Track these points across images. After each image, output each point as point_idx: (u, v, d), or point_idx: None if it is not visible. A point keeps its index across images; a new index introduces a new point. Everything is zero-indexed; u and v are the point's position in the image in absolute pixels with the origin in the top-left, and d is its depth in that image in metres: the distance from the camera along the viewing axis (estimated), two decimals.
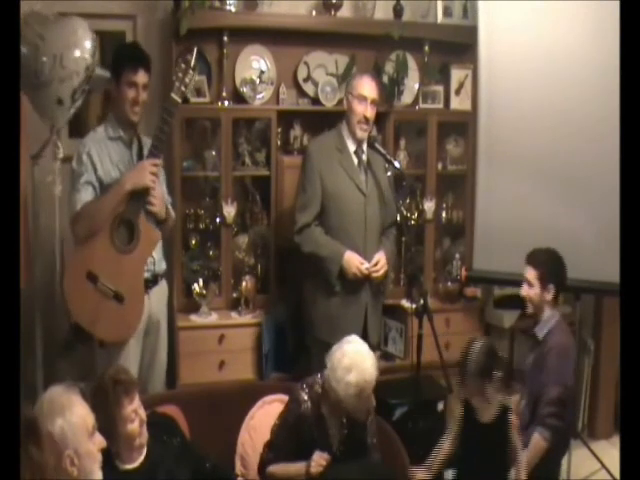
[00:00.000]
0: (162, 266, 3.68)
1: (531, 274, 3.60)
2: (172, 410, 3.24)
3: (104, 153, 3.45)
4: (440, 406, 4.30)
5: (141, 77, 3.47)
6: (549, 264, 3.64)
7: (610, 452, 4.31)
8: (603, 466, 4.12)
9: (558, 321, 3.62)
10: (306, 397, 3.15)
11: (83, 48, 3.54)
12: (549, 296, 3.58)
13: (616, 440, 4.29)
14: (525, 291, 3.63)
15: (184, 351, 4.06)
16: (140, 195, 3.38)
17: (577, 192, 4.33)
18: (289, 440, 3.14)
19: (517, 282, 4.64)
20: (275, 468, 3.12)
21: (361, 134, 3.90)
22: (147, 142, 3.56)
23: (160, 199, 3.50)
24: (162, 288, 3.71)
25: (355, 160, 3.94)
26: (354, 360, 3.05)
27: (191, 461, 2.97)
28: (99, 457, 2.38)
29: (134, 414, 2.72)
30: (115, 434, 2.68)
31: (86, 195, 3.39)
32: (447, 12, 4.80)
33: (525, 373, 3.69)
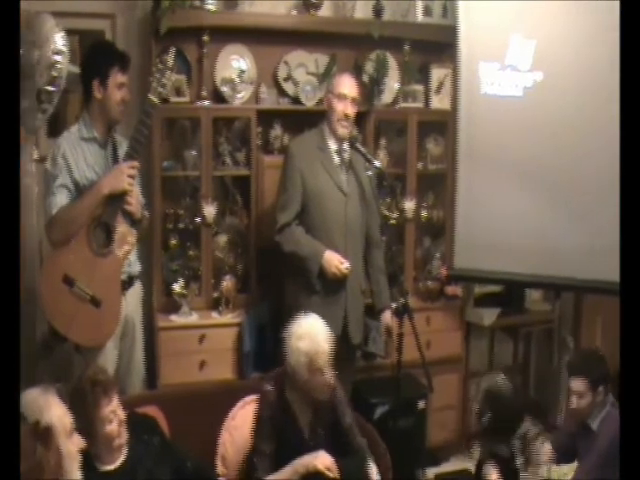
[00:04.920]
0: (137, 267, 3.67)
1: (579, 385, 3.42)
2: (152, 411, 3.23)
3: (79, 154, 3.42)
4: (421, 405, 4.31)
5: (126, 77, 3.48)
6: (594, 368, 3.48)
7: None
8: None
9: (610, 408, 3.46)
10: (270, 387, 3.24)
11: (47, 47, 3.52)
12: (600, 397, 3.43)
13: None
14: (576, 404, 3.45)
15: (164, 351, 4.03)
16: (117, 198, 3.36)
17: (557, 190, 4.37)
18: (270, 438, 3.18)
19: (497, 280, 4.72)
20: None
21: (342, 132, 3.91)
22: (122, 142, 3.55)
23: (137, 200, 3.49)
24: (137, 289, 3.70)
25: (336, 159, 3.96)
26: (306, 330, 3.19)
27: (172, 460, 2.97)
28: (78, 457, 2.38)
29: (112, 415, 2.72)
30: (94, 435, 2.68)
31: (61, 198, 3.36)
32: (427, 11, 4.82)
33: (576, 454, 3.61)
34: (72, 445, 2.36)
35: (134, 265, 3.63)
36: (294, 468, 3.14)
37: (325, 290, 3.88)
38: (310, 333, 3.18)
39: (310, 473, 3.12)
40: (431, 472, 4.29)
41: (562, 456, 3.66)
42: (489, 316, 4.83)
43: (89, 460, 2.65)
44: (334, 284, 3.88)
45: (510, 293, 5.01)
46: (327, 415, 3.29)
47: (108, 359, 3.48)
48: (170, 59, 3.54)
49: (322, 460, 3.14)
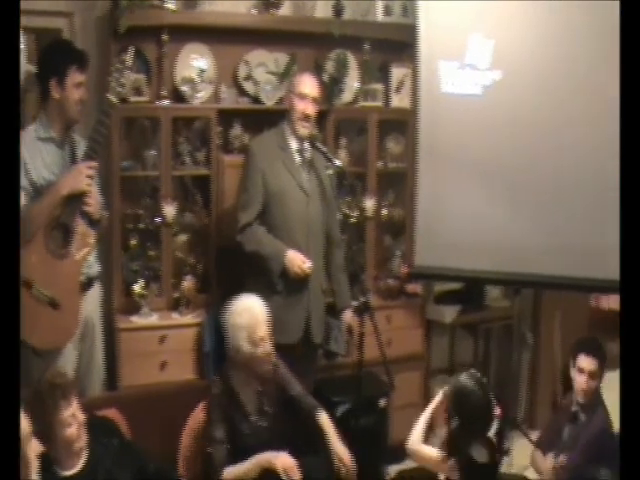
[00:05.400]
0: (96, 268, 3.64)
1: (594, 364, 3.48)
2: (112, 413, 3.23)
3: (36, 155, 3.38)
4: (382, 403, 4.33)
5: (84, 77, 3.45)
6: (603, 355, 3.55)
7: None
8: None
9: (601, 403, 3.55)
10: (216, 378, 3.39)
11: None
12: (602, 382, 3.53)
13: None
14: (586, 384, 3.50)
15: (125, 353, 3.99)
16: (75, 198, 3.33)
17: (515, 189, 4.42)
18: (221, 425, 3.28)
19: (458, 278, 4.76)
20: (229, 474, 3.22)
21: (303, 132, 3.92)
22: (80, 142, 3.52)
23: (95, 200, 3.46)
24: (96, 291, 3.68)
25: (298, 158, 3.97)
26: (243, 306, 3.37)
27: (133, 463, 2.97)
28: (35, 463, 2.37)
29: (72, 418, 2.71)
30: (53, 439, 2.68)
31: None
32: (387, 11, 4.83)
33: (560, 444, 3.67)
34: (30, 450, 2.35)
35: (93, 266, 3.60)
36: (257, 461, 3.22)
37: (287, 290, 3.89)
38: (247, 308, 3.35)
39: (271, 470, 3.19)
40: (393, 469, 4.31)
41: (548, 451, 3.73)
42: (450, 313, 4.87)
43: (48, 465, 2.64)
44: (296, 284, 3.89)
45: (470, 290, 5.06)
46: (272, 393, 3.41)
47: (67, 361, 3.45)
48: (129, 58, 3.52)
49: (282, 461, 3.20)
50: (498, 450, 3.14)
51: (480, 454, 3.04)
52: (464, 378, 3.10)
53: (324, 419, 3.44)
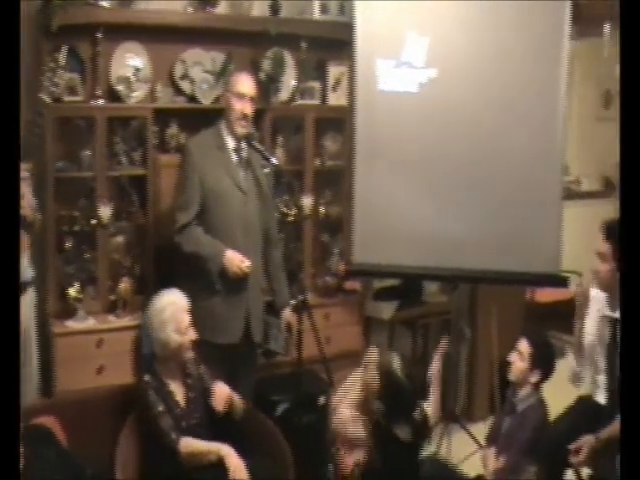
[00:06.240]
0: (29, 273, 3.59)
1: (525, 349, 3.63)
2: (48, 421, 3.19)
3: None
4: (322, 400, 4.35)
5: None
6: (544, 350, 3.68)
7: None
8: (481, 447, 4.26)
9: (539, 401, 3.66)
10: (145, 374, 3.47)
11: None
12: (533, 378, 3.62)
13: None
14: (513, 359, 3.67)
15: (61, 358, 3.93)
16: None
17: (449, 184, 4.47)
18: (158, 401, 3.38)
19: (395, 274, 4.81)
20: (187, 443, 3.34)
21: (241, 131, 3.91)
22: None
23: (28, 202, 3.40)
24: (30, 296, 3.63)
25: (235, 158, 3.95)
26: (166, 301, 3.51)
27: (70, 470, 2.94)
28: None
29: None
30: None
31: None
32: (324, 9, 4.85)
33: (499, 435, 3.75)
34: None
35: (27, 271, 3.54)
36: (218, 448, 3.33)
37: (226, 290, 3.88)
38: (170, 302, 3.50)
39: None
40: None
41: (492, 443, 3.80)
42: (388, 310, 4.92)
43: None
44: (235, 284, 3.88)
45: (408, 286, 5.11)
46: (196, 383, 3.55)
47: None
48: (62, 57, 3.48)
49: (234, 461, 3.29)
50: (423, 430, 3.19)
51: (403, 432, 3.09)
52: (388, 355, 3.22)
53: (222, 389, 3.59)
